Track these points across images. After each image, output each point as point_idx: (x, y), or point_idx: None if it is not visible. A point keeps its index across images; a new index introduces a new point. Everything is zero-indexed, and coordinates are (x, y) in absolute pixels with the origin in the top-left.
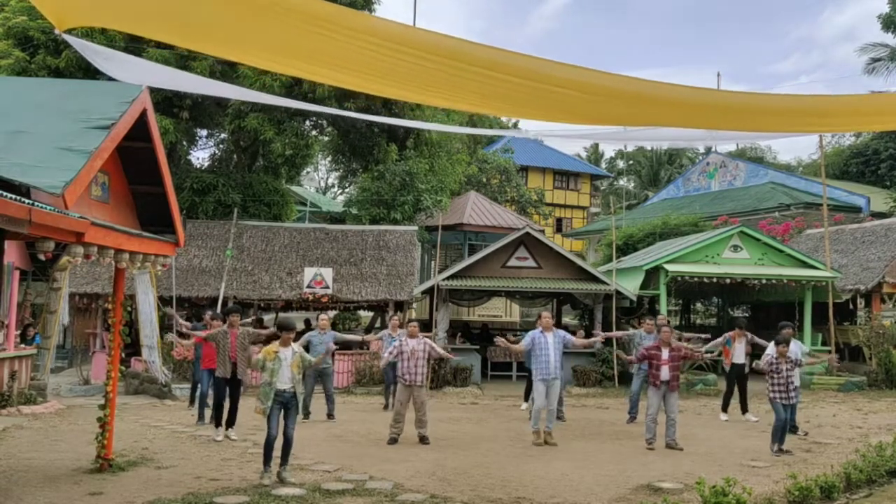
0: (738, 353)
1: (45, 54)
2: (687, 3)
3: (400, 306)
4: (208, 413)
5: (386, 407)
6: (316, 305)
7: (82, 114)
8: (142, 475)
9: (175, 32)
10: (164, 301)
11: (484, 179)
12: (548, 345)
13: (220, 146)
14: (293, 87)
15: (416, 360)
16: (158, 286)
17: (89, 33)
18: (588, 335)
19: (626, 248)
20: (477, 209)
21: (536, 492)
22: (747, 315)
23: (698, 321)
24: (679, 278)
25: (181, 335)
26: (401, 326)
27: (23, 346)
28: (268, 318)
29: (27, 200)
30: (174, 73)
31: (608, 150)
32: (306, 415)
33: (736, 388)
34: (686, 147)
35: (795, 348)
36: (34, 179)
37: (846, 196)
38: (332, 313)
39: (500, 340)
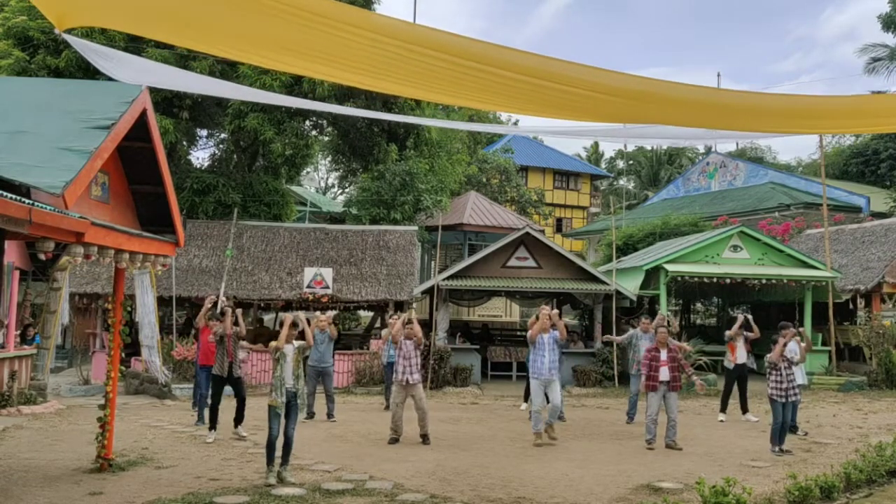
0: (740, 353)
1: (45, 54)
2: (687, 3)
3: (400, 306)
4: (207, 413)
5: (387, 407)
6: (316, 305)
7: (82, 114)
8: (142, 475)
9: (175, 32)
10: (163, 301)
11: (484, 179)
12: (544, 345)
13: (220, 146)
14: (293, 86)
15: (409, 360)
16: (158, 286)
17: (89, 33)
18: (588, 335)
19: (626, 248)
20: (477, 209)
21: (536, 492)
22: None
23: (698, 321)
24: (679, 278)
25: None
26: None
27: (23, 346)
28: (268, 318)
29: (27, 200)
30: (174, 73)
31: (608, 150)
32: (310, 415)
33: (736, 388)
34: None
35: (795, 347)
36: (34, 179)
37: (846, 196)
38: (331, 313)
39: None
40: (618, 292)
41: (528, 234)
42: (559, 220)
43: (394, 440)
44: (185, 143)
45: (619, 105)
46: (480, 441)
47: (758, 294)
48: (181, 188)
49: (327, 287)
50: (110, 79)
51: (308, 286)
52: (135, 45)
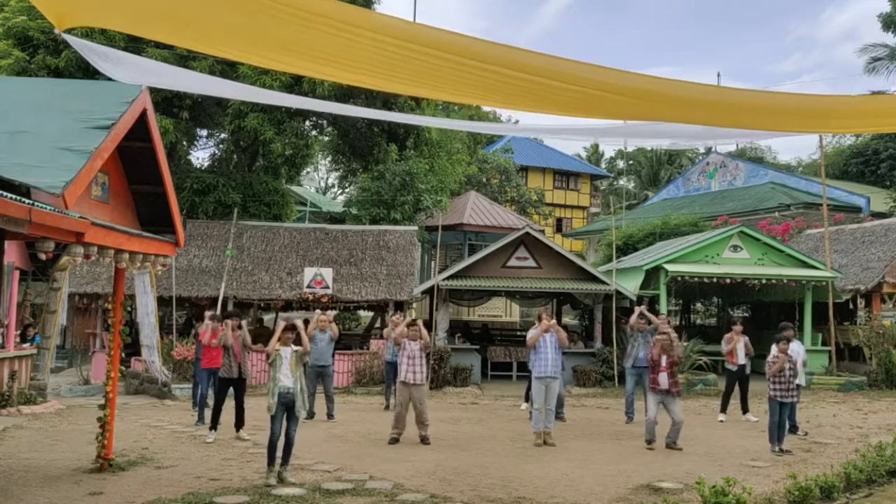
0: (740, 354)
1: (45, 54)
2: (688, 3)
3: (400, 306)
4: (208, 413)
5: (387, 407)
6: (316, 305)
7: (82, 114)
8: (142, 475)
9: (174, 32)
10: (163, 301)
11: (484, 179)
12: (547, 344)
13: (220, 146)
14: (293, 86)
15: (414, 361)
16: (158, 286)
17: (89, 33)
18: (588, 335)
19: (626, 248)
20: (477, 209)
21: (536, 492)
22: (747, 315)
23: (698, 321)
24: (679, 278)
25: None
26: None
27: (23, 346)
28: (268, 318)
29: (27, 200)
30: (174, 73)
31: (608, 151)
32: (310, 415)
33: (737, 388)
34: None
35: (797, 348)
36: (34, 179)
37: (846, 196)
38: (331, 313)
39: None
40: (618, 292)
41: (528, 234)
42: (559, 220)
43: (394, 440)
44: (185, 143)
45: (626, 104)
46: (480, 441)
47: (758, 294)
48: (181, 188)
49: (327, 287)
50: (110, 79)
51: (308, 286)
52: (135, 45)
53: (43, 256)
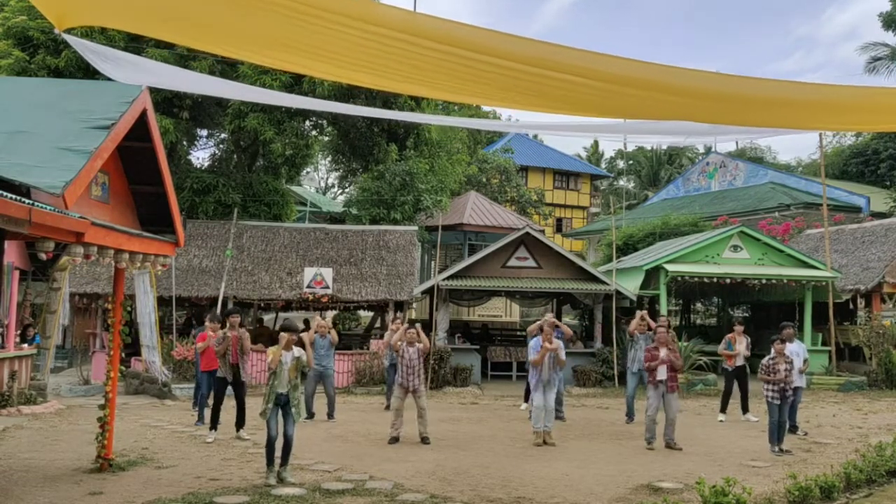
0: (738, 357)
1: (45, 54)
2: (689, 2)
3: (400, 306)
4: (208, 413)
5: (387, 407)
6: (316, 305)
7: (82, 114)
8: (142, 475)
9: (174, 30)
10: (163, 301)
11: (484, 179)
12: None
13: (220, 146)
14: (293, 86)
15: (413, 369)
16: (158, 286)
17: (89, 33)
18: (588, 336)
19: (626, 248)
20: (477, 209)
21: (536, 492)
22: (747, 315)
23: (698, 321)
24: (679, 278)
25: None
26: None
27: (23, 345)
28: (268, 318)
29: (27, 200)
30: (173, 73)
31: (608, 151)
32: (310, 415)
33: (737, 388)
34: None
35: (797, 348)
36: (34, 179)
37: (846, 196)
38: (331, 313)
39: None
40: (618, 292)
41: (528, 234)
42: (559, 220)
43: (394, 439)
44: (185, 143)
45: (628, 97)
46: (480, 441)
47: (758, 294)
48: (181, 188)
49: (327, 287)
50: (110, 79)
51: (308, 286)
52: (135, 45)
53: (43, 256)
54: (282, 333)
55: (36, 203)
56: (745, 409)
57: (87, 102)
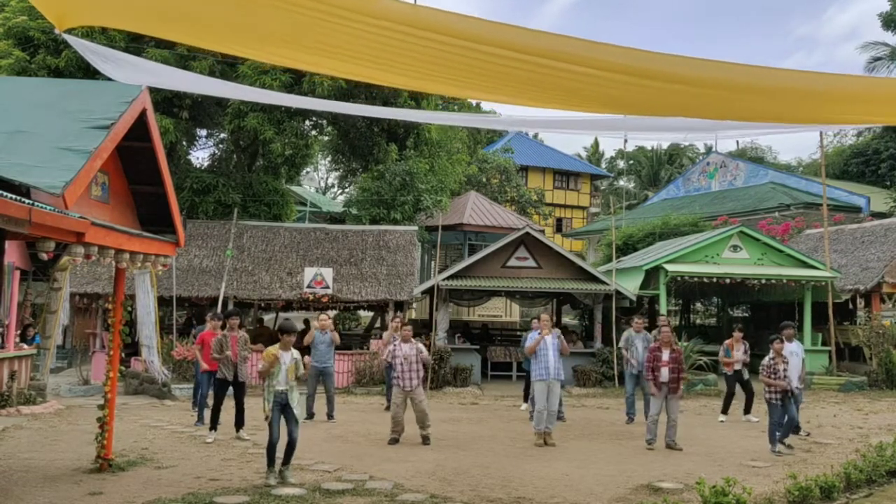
0: (738, 358)
1: (45, 54)
2: (690, 1)
3: (400, 306)
4: (208, 413)
5: (387, 407)
6: (316, 305)
7: (82, 114)
8: (142, 475)
9: (174, 29)
10: (163, 301)
11: (484, 179)
12: (547, 346)
13: (220, 146)
14: (293, 86)
15: (411, 365)
16: (158, 286)
17: (89, 33)
18: (588, 336)
19: (626, 248)
20: (477, 209)
21: (536, 492)
22: (747, 315)
23: (698, 321)
24: (679, 278)
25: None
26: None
27: (23, 345)
28: (268, 318)
29: (27, 200)
30: (173, 74)
31: (608, 150)
32: (310, 415)
33: (740, 390)
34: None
35: (797, 348)
36: (34, 179)
37: (846, 196)
38: (332, 313)
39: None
40: (618, 292)
41: (528, 234)
42: (559, 220)
43: (394, 440)
44: (185, 142)
45: (634, 90)
46: (480, 441)
47: (758, 294)
48: (181, 188)
49: (327, 287)
50: (110, 79)
51: (308, 286)
52: (135, 45)
53: (43, 256)
54: (282, 335)
55: (36, 203)
56: (747, 410)
57: (87, 102)
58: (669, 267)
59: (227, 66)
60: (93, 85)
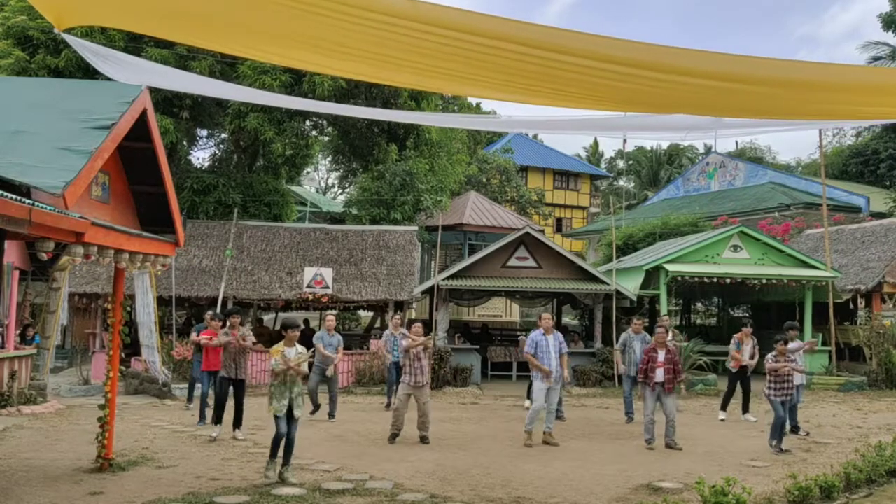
0: (745, 355)
1: (45, 54)
2: (690, 1)
3: (400, 306)
4: (209, 413)
5: (388, 406)
6: (316, 305)
7: (82, 114)
8: (142, 475)
9: (173, 29)
10: (163, 301)
11: (484, 179)
12: (549, 346)
13: (221, 146)
14: (293, 86)
15: (420, 360)
16: (158, 286)
17: (89, 33)
18: (588, 336)
19: (626, 248)
20: (477, 209)
21: (536, 492)
22: (747, 314)
23: (698, 321)
24: (679, 278)
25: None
26: (402, 325)
27: (22, 345)
28: (268, 318)
29: (27, 200)
30: (173, 74)
31: (608, 150)
32: (316, 407)
33: (739, 388)
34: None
35: (795, 347)
36: (34, 179)
37: (846, 196)
38: (333, 312)
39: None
40: (618, 292)
41: (528, 234)
42: (559, 220)
43: (394, 436)
44: (185, 143)
45: (638, 85)
46: (480, 441)
47: (758, 294)
48: (181, 188)
49: (327, 287)
50: (110, 79)
51: (308, 286)
52: (134, 45)
53: (43, 256)
54: (285, 332)
55: (36, 203)
56: (745, 409)
57: (87, 102)
58: (670, 267)
59: (227, 66)
60: (93, 85)
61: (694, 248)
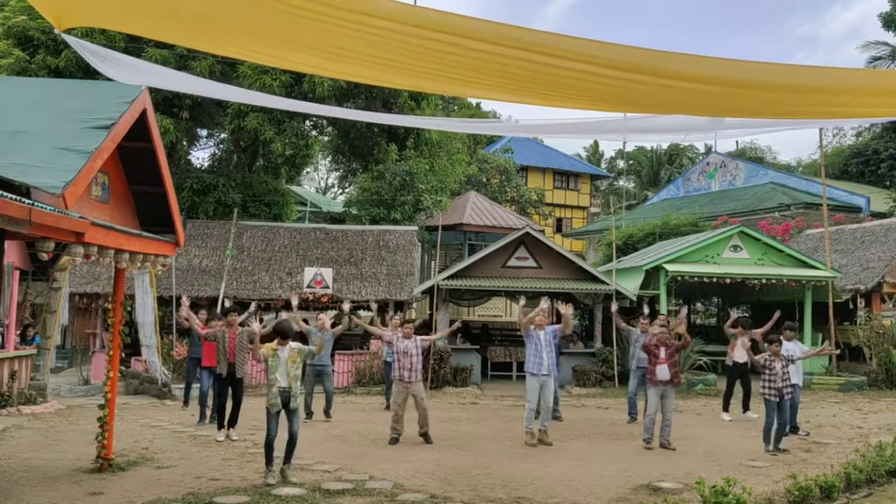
0: (740, 352)
1: (45, 54)
2: (691, 1)
3: (400, 306)
4: (209, 412)
5: (387, 407)
6: (316, 305)
7: (82, 114)
8: (142, 475)
9: (173, 30)
10: (163, 301)
11: (484, 179)
12: (540, 341)
13: (220, 146)
14: (293, 87)
15: (410, 358)
16: (158, 286)
17: (89, 33)
18: (588, 336)
19: (626, 248)
20: (477, 209)
21: (536, 492)
22: (747, 314)
23: (698, 321)
24: (679, 278)
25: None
26: (401, 325)
27: (23, 346)
28: (268, 318)
29: (27, 200)
30: (172, 75)
31: (608, 150)
32: (308, 414)
33: (739, 386)
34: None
35: (794, 348)
36: (34, 179)
37: (846, 196)
38: (331, 313)
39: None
40: (618, 292)
41: (528, 234)
42: (559, 220)
43: (394, 440)
44: (185, 143)
45: (640, 86)
46: (480, 441)
47: (758, 294)
48: (181, 188)
49: (327, 287)
50: (110, 79)
51: (308, 286)
52: (134, 45)
53: (43, 256)
54: (278, 335)
55: (36, 203)
56: (745, 407)
57: (87, 102)
58: (670, 267)
59: (227, 67)
60: (93, 85)
61: (694, 248)
